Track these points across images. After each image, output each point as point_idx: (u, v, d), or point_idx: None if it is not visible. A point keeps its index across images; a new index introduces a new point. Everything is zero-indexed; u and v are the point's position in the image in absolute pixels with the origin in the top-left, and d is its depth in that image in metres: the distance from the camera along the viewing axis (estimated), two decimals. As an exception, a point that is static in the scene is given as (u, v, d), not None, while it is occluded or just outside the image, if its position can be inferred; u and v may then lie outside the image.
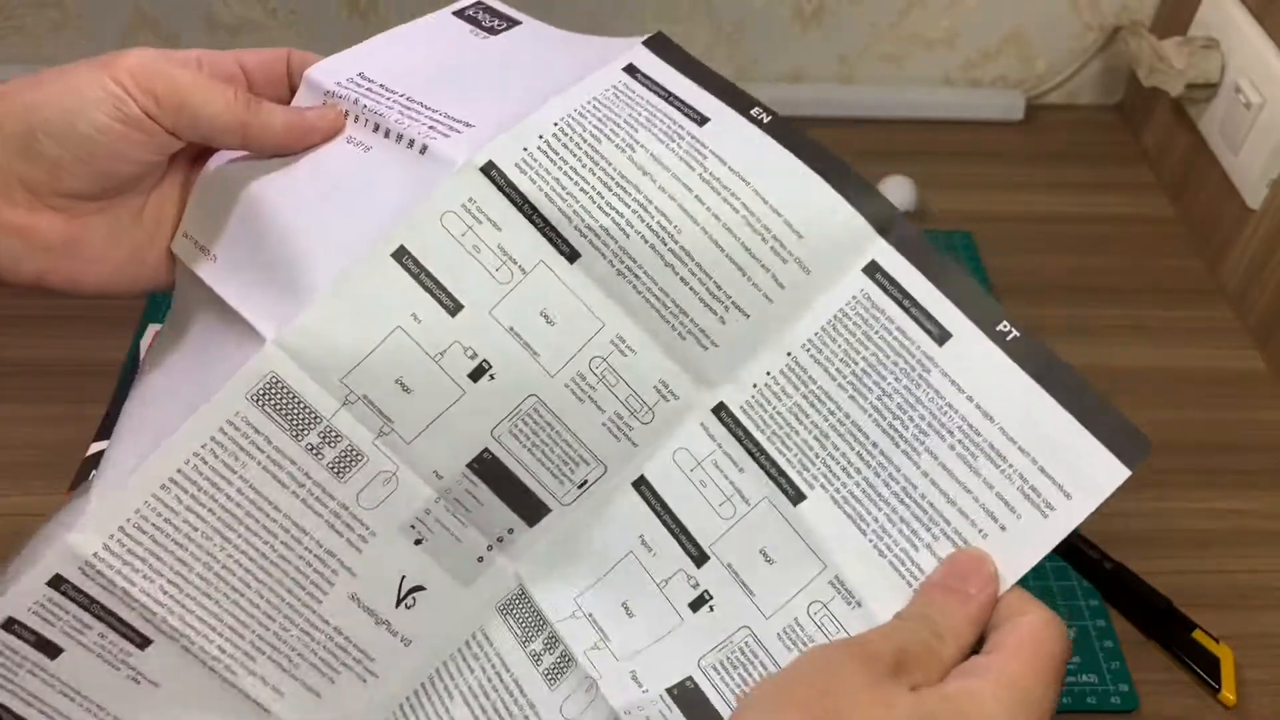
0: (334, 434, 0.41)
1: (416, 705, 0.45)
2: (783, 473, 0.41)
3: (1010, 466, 0.38)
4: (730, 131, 0.42)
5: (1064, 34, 0.93)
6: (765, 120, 0.42)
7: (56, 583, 0.40)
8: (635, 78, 0.43)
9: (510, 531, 0.44)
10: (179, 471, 0.40)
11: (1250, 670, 0.59)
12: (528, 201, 0.40)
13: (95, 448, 0.63)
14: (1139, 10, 0.91)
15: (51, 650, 0.41)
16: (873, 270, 0.41)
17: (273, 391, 0.40)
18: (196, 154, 0.46)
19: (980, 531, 0.38)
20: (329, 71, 0.45)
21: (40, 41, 0.91)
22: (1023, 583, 0.38)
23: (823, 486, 0.41)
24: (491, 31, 0.48)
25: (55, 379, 0.70)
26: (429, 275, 0.40)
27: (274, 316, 0.40)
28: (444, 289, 0.40)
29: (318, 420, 0.40)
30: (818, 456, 0.41)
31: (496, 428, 0.42)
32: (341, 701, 0.44)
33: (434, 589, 0.44)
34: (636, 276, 0.41)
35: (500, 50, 0.47)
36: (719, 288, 0.41)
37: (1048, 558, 0.38)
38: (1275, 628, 0.61)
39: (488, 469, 0.42)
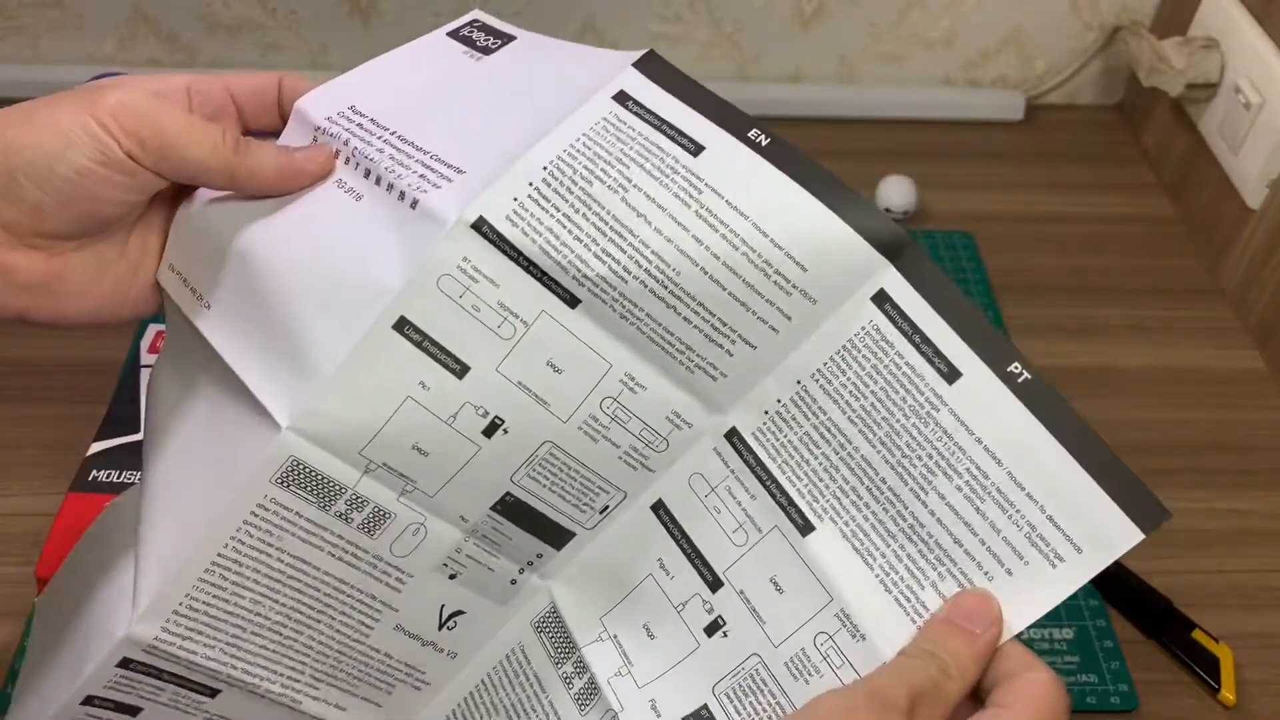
0: (360, 499, 0.41)
1: (466, 715, 0.47)
2: (792, 502, 0.41)
3: (1018, 512, 0.38)
4: (726, 160, 0.40)
5: (1064, 34, 0.93)
6: (763, 143, 0.40)
7: (125, 663, 0.42)
8: (626, 106, 0.42)
9: (539, 556, 0.45)
10: (220, 555, 0.41)
11: (1250, 670, 0.59)
12: (522, 255, 0.39)
13: (95, 448, 0.63)
14: (1139, 10, 0.91)
15: (131, 710, 0.44)
16: (882, 300, 0.40)
17: (296, 473, 0.40)
18: (181, 186, 0.44)
19: (986, 574, 0.38)
20: (319, 104, 0.44)
21: (40, 41, 0.91)
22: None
23: (831, 519, 0.41)
24: (485, 51, 0.47)
25: (55, 379, 0.70)
26: (432, 342, 0.40)
27: (283, 396, 0.40)
28: (449, 353, 0.40)
29: (343, 490, 0.41)
30: (827, 488, 0.41)
31: (515, 474, 0.42)
32: (400, 707, 0.47)
33: (473, 611, 0.46)
34: (639, 319, 0.40)
35: (493, 73, 0.46)
36: (723, 323, 0.40)
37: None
38: (1275, 628, 0.61)
39: (510, 509, 0.43)
